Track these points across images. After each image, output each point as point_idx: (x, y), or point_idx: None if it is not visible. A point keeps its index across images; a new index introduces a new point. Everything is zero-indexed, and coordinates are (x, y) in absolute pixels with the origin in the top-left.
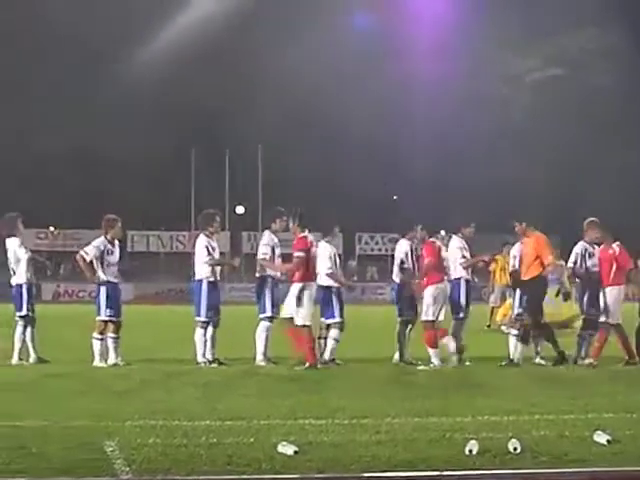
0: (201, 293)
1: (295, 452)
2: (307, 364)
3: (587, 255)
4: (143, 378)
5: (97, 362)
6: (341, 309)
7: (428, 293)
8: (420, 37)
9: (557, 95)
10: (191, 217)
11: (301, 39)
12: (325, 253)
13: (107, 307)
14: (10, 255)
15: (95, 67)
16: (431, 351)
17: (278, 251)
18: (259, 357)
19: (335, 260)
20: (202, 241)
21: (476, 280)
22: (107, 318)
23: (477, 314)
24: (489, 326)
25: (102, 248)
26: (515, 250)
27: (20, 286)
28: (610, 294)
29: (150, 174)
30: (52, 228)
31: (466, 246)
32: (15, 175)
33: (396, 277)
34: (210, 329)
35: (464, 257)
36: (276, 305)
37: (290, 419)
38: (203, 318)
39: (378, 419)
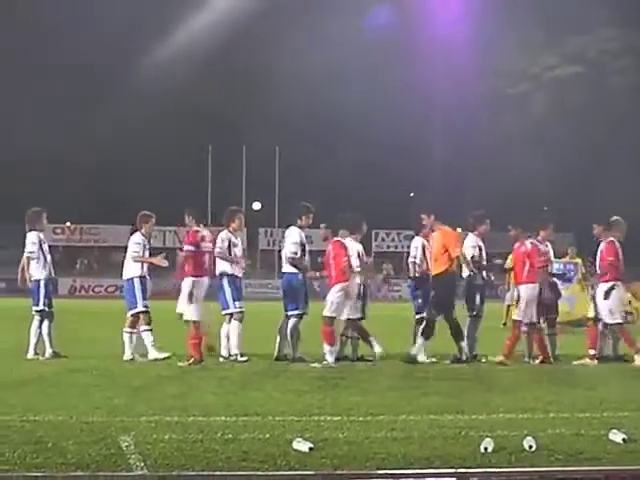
0: (224, 287)
1: (310, 449)
2: (192, 360)
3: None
4: (159, 374)
5: (128, 355)
6: (364, 305)
7: (334, 290)
8: (437, 36)
9: (577, 93)
10: (208, 213)
11: (314, 38)
12: (352, 250)
13: (142, 299)
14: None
15: (111, 66)
16: (327, 348)
17: (307, 248)
18: (296, 354)
19: (362, 257)
20: (224, 237)
21: (492, 278)
22: (144, 309)
23: (492, 312)
24: (505, 324)
25: (142, 243)
26: (417, 242)
27: (38, 281)
28: (524, 292)
29: (168, 171)
30: (69, 223)
31: (481, 244)
32: (33, 172)
33: (411, 274)
34: (236, 324)
35: (473, 256)
36: (305, 302)
37: (305, 415)
38: (231, 310)
39: (393, 416)
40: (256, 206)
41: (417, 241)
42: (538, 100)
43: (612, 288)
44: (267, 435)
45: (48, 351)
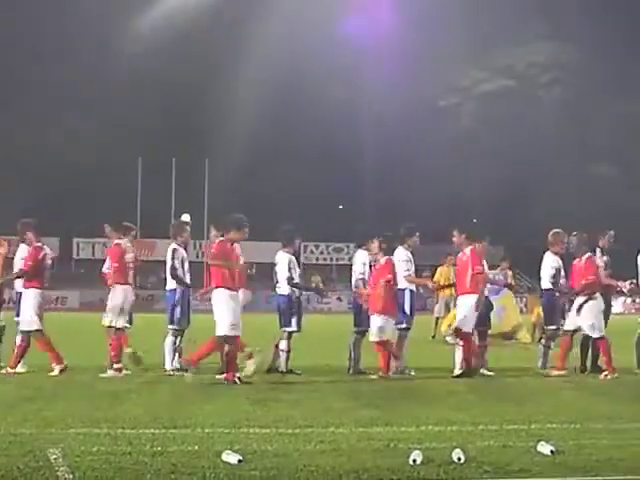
0: (174, 302)
1: (239, 461)
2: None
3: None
4: (89, 386)
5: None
6: (299, 319)
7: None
8: (368, 47)
9: (506, 106)
10: (137, 224)
11: (241, 53)
12: (284, 262)
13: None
14: None
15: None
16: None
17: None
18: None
19: (295, 269)
20: (172, 252)
21: (421, 291)
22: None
23: (422, 325)
24: (434, 337)
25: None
26: (364, 257)
27: None
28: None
29: (99, 181)
30: None
31: (410, 257)
32: None
33: (355, 288)
34: (180, 337)
35: (408, 270)
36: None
37: (234, 428)
38: (176, 326)
39: (322, 428)
40: (185, 218)
41: (363, 256)
42: (468, 112)
43: (586, 302)
44: (196, 447)
45: None
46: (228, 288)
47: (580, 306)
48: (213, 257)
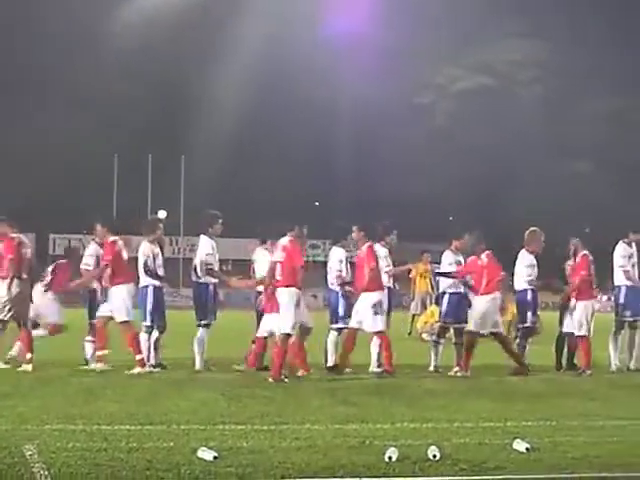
0: (147, 299)
1: (215, 457)
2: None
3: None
4: (65, 382)
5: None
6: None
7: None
8: (342, 45)
9: (483, 104)
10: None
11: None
12: (263, 259)
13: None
14: None
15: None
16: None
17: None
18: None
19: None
20: (146, 249)
21: (397, 287)
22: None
23: (398, 322)
24: (410, 333)
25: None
26: (341, 255)
27: None
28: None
29: (75, 178)
30: None
31: (387, 254)
32: None
33: (331, 285)
34: (155, 334)
35: (388, 266)
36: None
37: (210, 424)
38: (149, 323)
39: (297, 425)
40: (161, 215)
41: (339, 253)
42: (445, 110)
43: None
44: (171, 444)
45: None
46: (294, 287)
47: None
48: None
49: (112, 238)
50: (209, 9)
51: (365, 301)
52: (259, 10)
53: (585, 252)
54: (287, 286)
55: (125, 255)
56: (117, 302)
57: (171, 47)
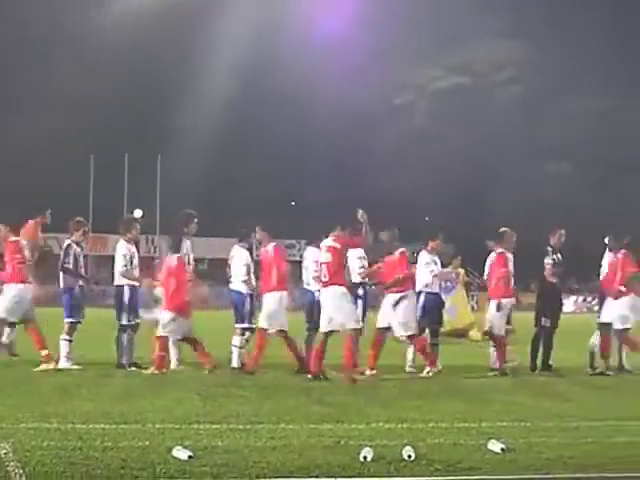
0: (122, 298)
1: (190, 457)
2: None
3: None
4: (40, 381)
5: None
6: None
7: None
8: (320, 45)
9: (460, 104)
10: (89, 220)
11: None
12: (241, 258)
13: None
14: None
15: None
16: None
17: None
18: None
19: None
20: (122, 247)
21: (374, 287)
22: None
23: (373, 323)
24: None
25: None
26: (316, 254)
27: None
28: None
29: (51, 176)
30: None
31: (364, 254)
32: None
33: (307, 285)
34: (130, 333)
35: (363, 267)
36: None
37: (185, 423)
38: (124, 322)
39: (273, 425)
40: (137, 214)
41: (315, 252)
42: (422, 110)
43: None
44: (146, 443)
45: None
46: (340, 285)
47: None
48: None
49: (13, 238)
50: (190, 8)
51: (267, 300)
52: (242, 10)
53: (501, 250)
54: (334, 285)
55: (27, 254)
56: (4, 301)
57: (148, 47)
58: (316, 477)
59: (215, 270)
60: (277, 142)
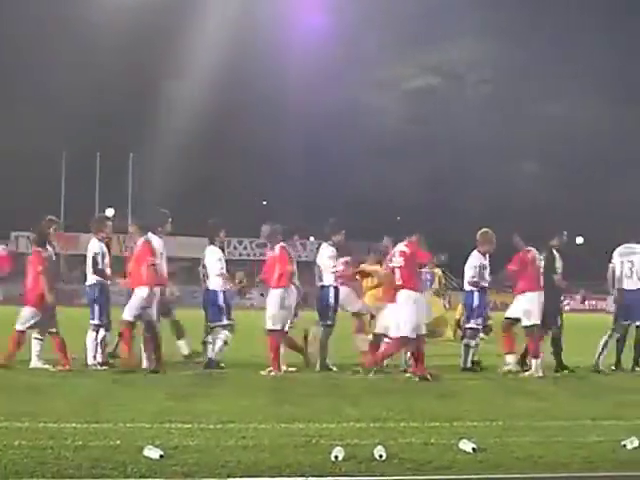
0: (95, 297)
1: (161, 456)
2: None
3: (482, 266)
4: (11, 380)
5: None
6: (229, 312)
7: None
8: (294, 44)
9: (433, 104)
10: (61, 218)
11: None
12: (214, 255)
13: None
14: None
15: None
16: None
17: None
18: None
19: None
20: (94, 247)
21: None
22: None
23: (344, 321)
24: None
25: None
26: (328, 252)
27: None
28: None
29: (22, 175)
30: None
31: (335, 253)
32: None
33: (320, 282)
34: (102, 332)
35: (334, 266)
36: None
37: (156, 423)
38: (96, 321)
39: (244, 424)
40: (109, 212)
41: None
42: (394, 110)
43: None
44: (118, 442)
45: None
46: (414, 290)
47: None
48: None
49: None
50: (164, 8)
51: (136, 294)
52: (216, 9)
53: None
54: (408, 289)
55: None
56: None
57: (122, 46)
58: (287, 476)
59: (191, 270)
60: (248, 142)
